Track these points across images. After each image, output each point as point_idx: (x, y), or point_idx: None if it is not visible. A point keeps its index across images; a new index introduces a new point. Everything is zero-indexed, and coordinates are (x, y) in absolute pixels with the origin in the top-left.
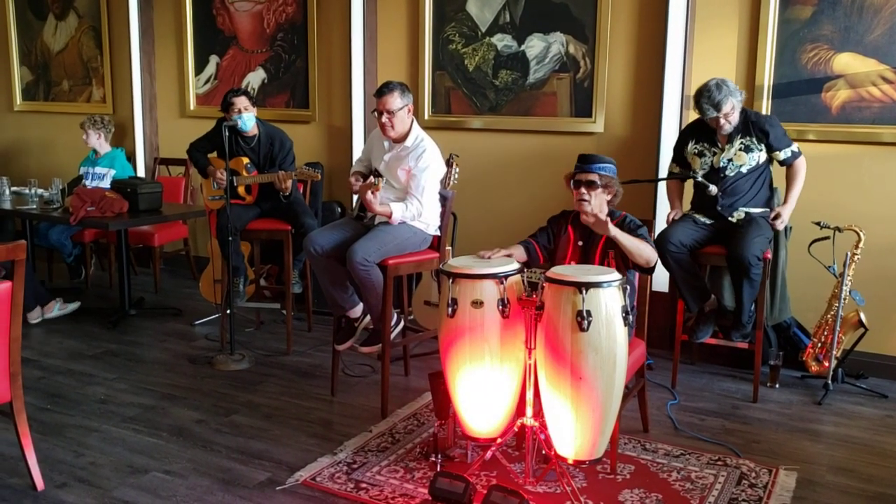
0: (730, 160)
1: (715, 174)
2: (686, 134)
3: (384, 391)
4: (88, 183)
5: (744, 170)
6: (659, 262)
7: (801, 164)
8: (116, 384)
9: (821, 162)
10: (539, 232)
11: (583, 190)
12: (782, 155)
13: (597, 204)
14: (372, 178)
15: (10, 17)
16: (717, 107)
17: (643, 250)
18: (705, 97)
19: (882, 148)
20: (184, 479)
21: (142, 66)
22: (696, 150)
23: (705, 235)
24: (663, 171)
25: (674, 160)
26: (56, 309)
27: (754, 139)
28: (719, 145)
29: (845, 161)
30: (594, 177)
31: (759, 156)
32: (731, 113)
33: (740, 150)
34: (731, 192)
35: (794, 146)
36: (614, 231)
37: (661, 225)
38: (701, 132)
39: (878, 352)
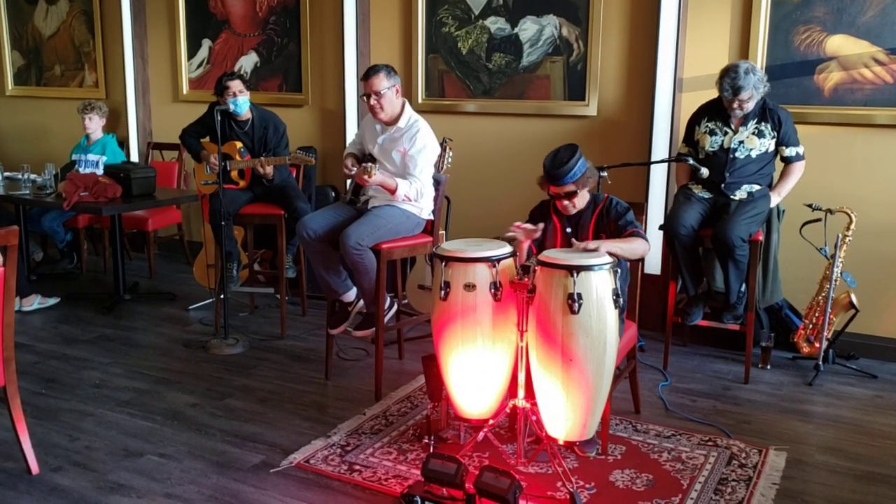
0: (741, 142)
1: (724, 155)
2: (699, 114)
3: (378, 374)
4: (81, 170)
5: (753, 154)
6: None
7: (800, 167)
8: (111, 368)
9: (813, 144)
10: None
11: (566, 202)
12: (788, 151)
13: (581, 203)
14: (366, 164)
15: (0, 1)
16: (736, 91)
17: (636, 250)
18: (729, 78)
19: (874, 130)
20: (178, 462)
21: (134, 50)
22: (708, 129)
23: (707, 214)
24: (656, 155)
25: (684, 140)
26: (36, 303)
27: (769, 126)
28: (732, 127)
29: (837, 143)
30: (570, 187)
31: (770, 143)
32: (746, 101)
33: (753, 133)
34: (739, 173)
35: (801, 148)
36: (607, 247)
37: (653, 208)
38: (715, 112)
39: (868, 333)
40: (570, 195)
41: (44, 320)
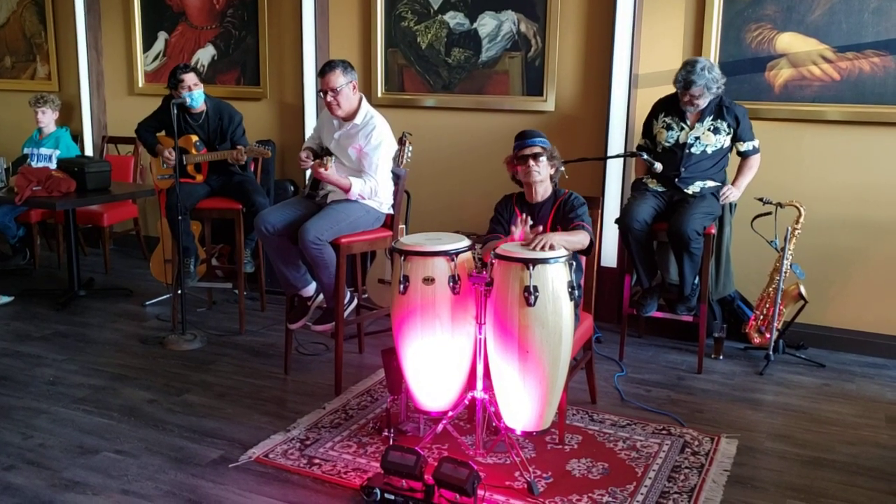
0: (697, 138)
1: (680, 150)
2: (657, 108)
3: (338, 369)
4: (34, 164)
5: (709, 150)
6: (599, 239)
7: (756, 160)
8: (66, 365)
9: (764, 139)
10: (496, 224)
11: (531, 162)
12: (745, 146)
13: (545, 173)
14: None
15: None
16: (687, 85)
17: (576, 243)
18: (684, 70)
19: (823, 126)
20: (135, 458)
21: (88, 42)
22: (665, 124)
23: (661, 209)
24: (612, 150)
25: (643, 134)
26: None
27: (725, 123)
28: (689, 122)
29: (787, 138)
30: (537, 149)
31: (725, 140)
32: (697, 96)
33: (709, 129)
34: (693, 169)
35: (756, 142)
36: (556, 239)
37: (609, 202)
38: (672, 107)
39: (817, 323)
40: (536, 156)
41: None
